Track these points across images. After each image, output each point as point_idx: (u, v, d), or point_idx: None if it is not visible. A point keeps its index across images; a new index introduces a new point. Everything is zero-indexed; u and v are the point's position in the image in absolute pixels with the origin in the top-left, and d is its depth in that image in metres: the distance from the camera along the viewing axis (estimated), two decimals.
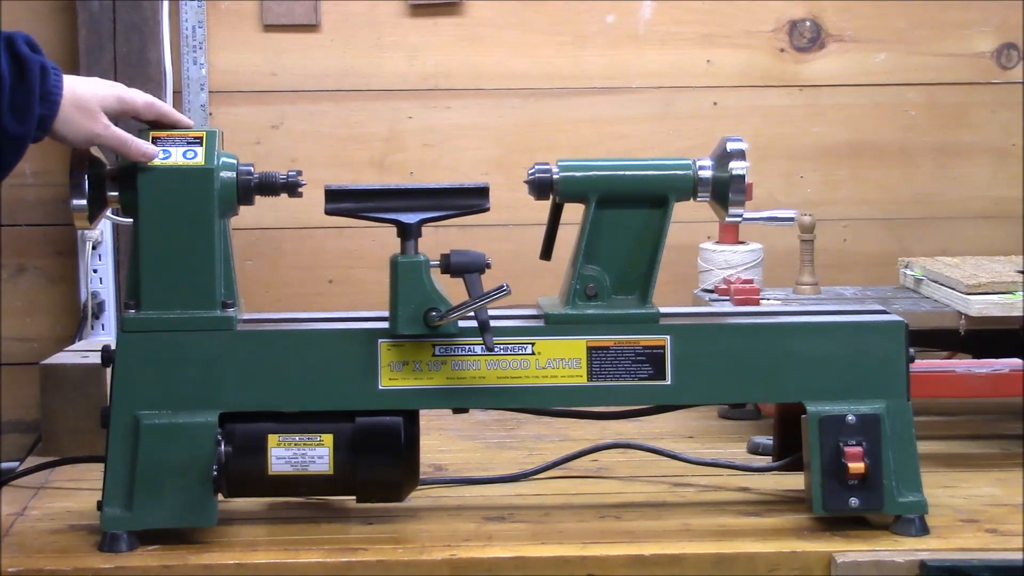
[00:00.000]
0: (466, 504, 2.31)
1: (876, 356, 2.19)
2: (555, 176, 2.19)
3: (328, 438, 2.14)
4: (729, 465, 2.45)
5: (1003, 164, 3.15)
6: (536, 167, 2.20)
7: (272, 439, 2.14)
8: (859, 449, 2.14)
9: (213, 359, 2.13)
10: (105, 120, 2.09)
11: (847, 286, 2.89)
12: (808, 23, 3.11)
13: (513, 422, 2.76)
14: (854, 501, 2.15)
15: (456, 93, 3.08)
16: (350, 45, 3.06)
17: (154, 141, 2.14)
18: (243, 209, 2.18)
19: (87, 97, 2.08)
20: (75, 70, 2.96)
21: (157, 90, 2.94)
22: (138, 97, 2.14)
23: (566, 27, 3.09)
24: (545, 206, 2.23)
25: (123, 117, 2.13)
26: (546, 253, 2.24)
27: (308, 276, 3.09)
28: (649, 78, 3.11)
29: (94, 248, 2.97)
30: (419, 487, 2.24)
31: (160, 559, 2.07)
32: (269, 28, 3.05)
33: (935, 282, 2.67)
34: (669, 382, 2.18)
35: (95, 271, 2.98)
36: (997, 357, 2.57)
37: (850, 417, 2.16)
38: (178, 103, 2.99)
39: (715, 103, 3.11)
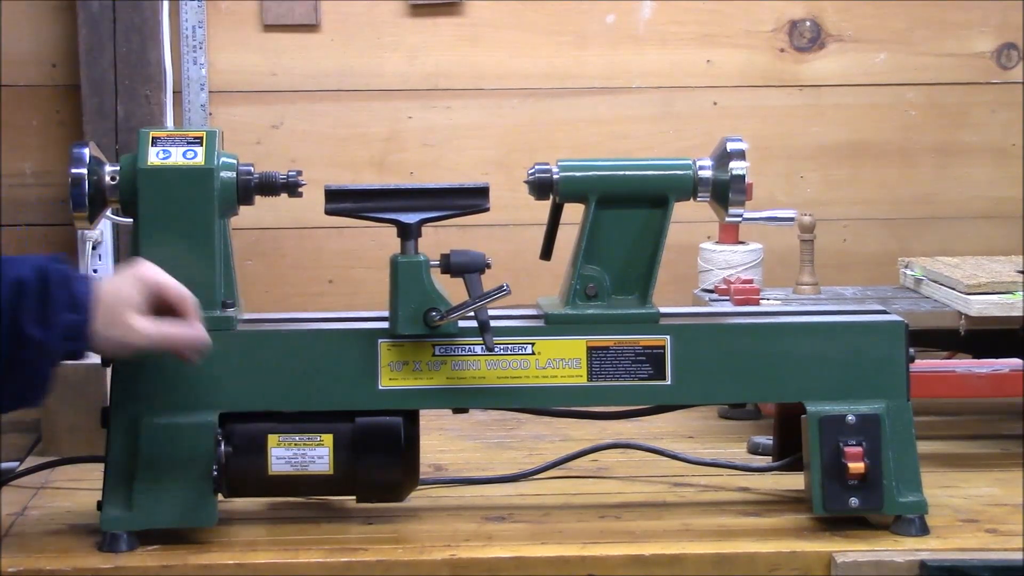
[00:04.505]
0: (466, 504, 2.30)
1: (876, 356, 2.19)
2: (555, 176, 2.19)
3: (328, 438, 2.14)
4: (729, 465, 2.45)
5: (1003, 164, 3.15)
6: (536, 167, 2.20)
7: (272, 439, 2.14)
8: (859, 449, 2.14)
9: (213, 359, 2.13)
10: (137, 325, 1.98)
11: (847, 286, 2.89)
12: (808, 23, 3.11)
13: (513, 422, 2.76)
14: (854, 501, 2.15)
15: (456, 93, 3.08)
16: (350, 45, 3.06)
17: (154, 141, 2.14)
18: (243, 209, 2.18)
19: (115, 303, 1.96)
20: (75, 70, 2.96)
21: (157, 90, 2.94)
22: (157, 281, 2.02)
23: (566, 27, 3.09)
24: (545, 206, 2.23)
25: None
26: (546, 253, 2.24)
27: (308, 276, 3.09)
28: (649, 78, 3.11)
29: (94, 248, 2.97)
30: (419, 487, 2.24)
31: (160, 559, 2.07)
32: (269, 28, 3.05)
33: (935, 282, 2.68)
34: (669, 382, 2.18)
35: (95, 271, 2.97)
36: (997, 357, 2.57)
37: (850, 417, 2.16)
38: (178, 103, 2.99)
39: (715, 103, 3.11)
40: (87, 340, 1.97)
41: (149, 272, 2.02)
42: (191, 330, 2.03)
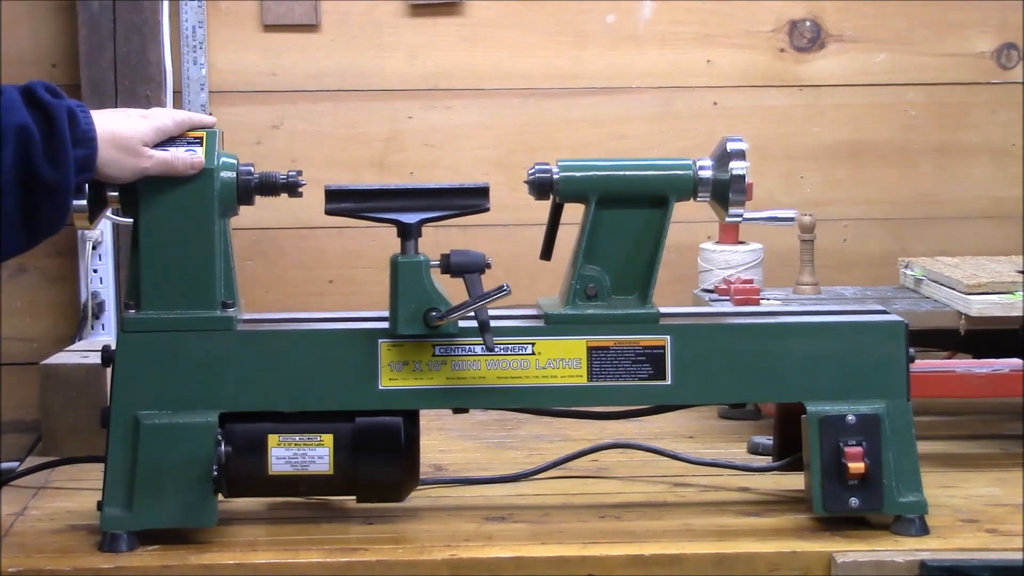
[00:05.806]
0: (466, 504, 2.30)
1: (876, 356, 2.19)
2: (555, 176, 2.19)
3: (328, 438, 2.14)
4: (729, 465, 2.45)
5: (1003, 164, 3.15)
6: (536, 167, 2.20)
7: (272, 439, 2.14)
8: (859, 449, 2.14)
9: (213, 359, 2.13)
10: (148, 151, 2.08)
11: (847, 286, 2.90)
12: (808, 23, 3.11)
13: (513, 422, 2.76)
14: (854, 501, 2.15)
15: (456, 93, 3.08)
16: (350, 45, 3.06)
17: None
18: (243, 209, 2.18)
19: (127, 136, 2.07)
20: (75, 70, 2.96)
21: (157, 90, 2.94)
22: (169, 121, 2.12)
23: (566, 27, 3.09)
24: (545, 206, 2.23)
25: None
26: (546, 253, 2.24)
27: (308, 276, 3.09)
28: (649, 78, 3.11)
29: (94, 248, 2.97)
30: (419, 487, 2.24)
31: (160, 559, 2.07)
32: (269, 28, 3.05)
33: (935, 282, 2.68)
34: (669, 382, 2.18)
35: (95, 271, 2.98)
36: (997, 357, 2.57)
37: (850, 417, 2.16)
38: (178, 103, 3.00)
39: (715, 103, 3.11)
40: (95, 170, 2.05)
41: (161, 121, 2.12)
42: (189, 155, 2.12)
